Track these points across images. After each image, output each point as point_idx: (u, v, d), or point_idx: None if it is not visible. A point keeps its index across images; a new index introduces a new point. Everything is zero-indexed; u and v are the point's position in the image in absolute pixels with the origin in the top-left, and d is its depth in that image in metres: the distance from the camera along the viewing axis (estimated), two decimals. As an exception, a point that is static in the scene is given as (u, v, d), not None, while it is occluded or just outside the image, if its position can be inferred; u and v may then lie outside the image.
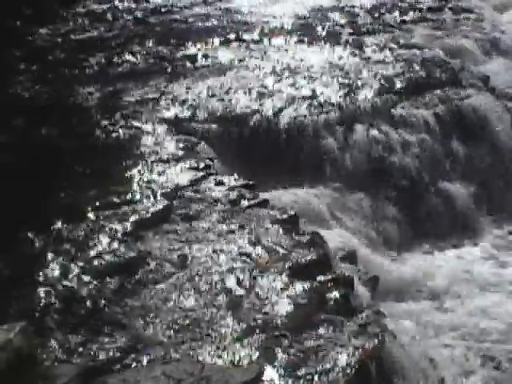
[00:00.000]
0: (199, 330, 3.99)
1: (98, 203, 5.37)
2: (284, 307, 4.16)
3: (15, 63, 8.81)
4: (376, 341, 3.86)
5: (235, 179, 5.74)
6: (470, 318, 5.41)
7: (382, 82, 7.66)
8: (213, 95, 7.41)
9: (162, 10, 10.91)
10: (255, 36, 9.23)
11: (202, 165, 5.97)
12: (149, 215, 5.21)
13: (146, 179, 5.77)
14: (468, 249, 6.51)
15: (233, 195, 5.47)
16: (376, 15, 10.04)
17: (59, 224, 5.10)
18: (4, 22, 10.16)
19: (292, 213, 5.24)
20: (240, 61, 8.38)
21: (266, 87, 7.54)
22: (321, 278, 4.41)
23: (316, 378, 3.63)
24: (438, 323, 5.37)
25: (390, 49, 8.56)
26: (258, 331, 3.96)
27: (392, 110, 7.23)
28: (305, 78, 7.78)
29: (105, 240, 4.89)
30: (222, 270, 4.52)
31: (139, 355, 3.81)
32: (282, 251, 4.71)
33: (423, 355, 4.58)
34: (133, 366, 3.75)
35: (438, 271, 6.02)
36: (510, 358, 4.94)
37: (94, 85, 7.91)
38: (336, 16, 10.01)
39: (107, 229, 5.02)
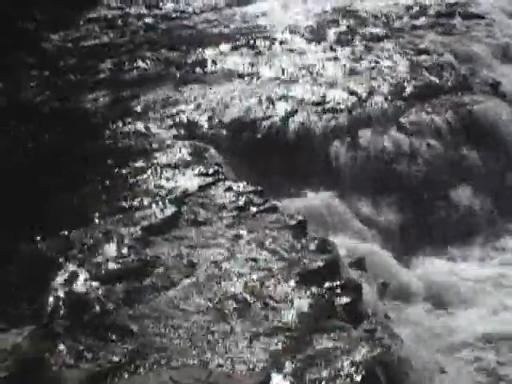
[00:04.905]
0: (207, 336, 3.99)
1: (106, 208, 5.39)
2: (292, 313, 4.15)
3: (26, 68, 8.85)
4: (383, 346, 3.85)
5: (244, 185, 5.73)
6: (481, 325, 5.37)
7: (392, 87, 7.65)
8: (222, 101, 7.42)
9: (173, 15, 10.94)
10: (265, 42, 9.22)
11: (210, 170, 5.97)
12: (157, 221, 5.22)
13: (154, 184, 5.78)
14: (479, 255, 6.48)
15: (241, 201, 5.46)
16: (386, 20, 10.02)
17: (68, 229, 5.11)
18: (16, 26, 10.21)
19: (301, 218, 5.24)
20: (249, 66, 8.38)
21: (275, 93, 7.53)
22: (329, 284, 4.40)
23: (323, 383, 3.62)
24: (448, 329, 5.35)
25: (400, 54, 8.54)
26: (265, 337, 3.96)
27: (402, 116, 7.22)
28: (314, 83, 7.77)
29: (113, 245, 4.90)
30: (230, 275, 4.52)
31: (147, 360, 3.81)
32: (290, 257, 4.71)
33: (432, 362, 4.56)
34: (140, 371, 3.75)
35: (444, 278, 6.00)
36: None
37: (105, 90, 7.94)
38: (346, 22, 10.00)
39: (116, 234, 5.03)
